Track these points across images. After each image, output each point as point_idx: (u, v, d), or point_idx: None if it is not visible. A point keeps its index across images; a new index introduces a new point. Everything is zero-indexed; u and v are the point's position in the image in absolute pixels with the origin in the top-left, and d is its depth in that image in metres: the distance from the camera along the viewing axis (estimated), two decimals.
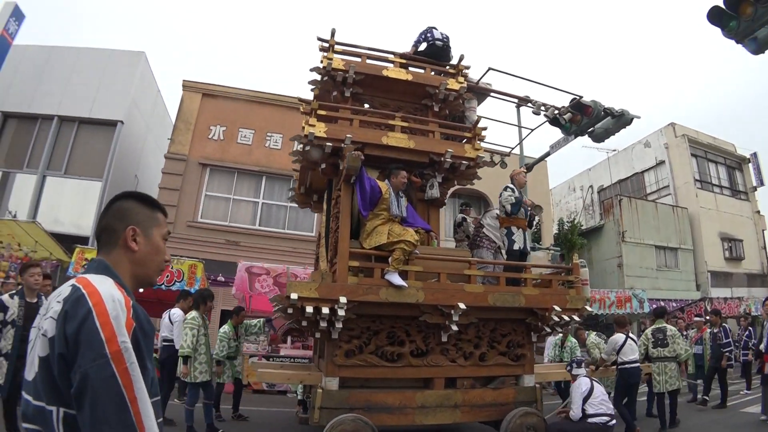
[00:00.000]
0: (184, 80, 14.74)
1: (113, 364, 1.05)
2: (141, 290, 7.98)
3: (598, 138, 9.64)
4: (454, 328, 4.82)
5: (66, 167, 14.60)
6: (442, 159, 5.42)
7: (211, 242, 13.67)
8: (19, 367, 4.66)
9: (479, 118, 6.02)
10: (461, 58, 6.28)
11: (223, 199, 14.38)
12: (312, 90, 6.18)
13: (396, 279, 4.66)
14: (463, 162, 5.51)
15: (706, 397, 8.45)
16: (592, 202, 23.49)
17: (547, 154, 11.65)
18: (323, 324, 4.59)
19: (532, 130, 8.15)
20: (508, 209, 5.76)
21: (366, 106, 6.10)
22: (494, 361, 5.28)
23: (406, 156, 5.47)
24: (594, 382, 5.16)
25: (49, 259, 10.91)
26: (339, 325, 4.60)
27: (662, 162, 20.44)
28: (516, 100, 7.15)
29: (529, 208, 6.00)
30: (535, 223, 6.26)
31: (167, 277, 9.33)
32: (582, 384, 5.10)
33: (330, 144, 5.11)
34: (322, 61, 5.81)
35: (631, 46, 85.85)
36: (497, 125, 8.01)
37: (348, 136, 5.16)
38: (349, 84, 5.89)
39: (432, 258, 5.06)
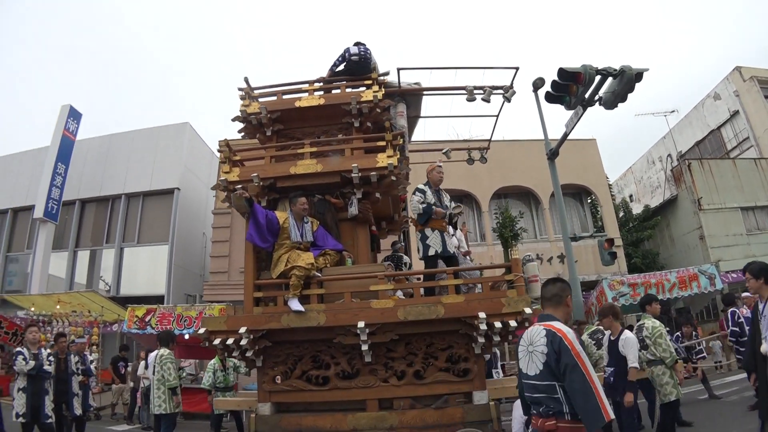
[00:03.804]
0: (219, 141, 16.14)
1: (576, 359, 2.36)
2: (186, 336, 8.83)
3: (609, 104, 8.85)
4: (365, 347, 4.71)
5: (138, 237, 16.69)
6: (351, 175, 5.41)
7: None
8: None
9: (391, 124, 5.84)
10: (374, 67, 6.26)
11: None
12: (243, 137, 6.59)
13: (295, 305, 4.73)
14: (372, 173, 5.41)
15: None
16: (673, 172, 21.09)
17: (565, 135, 10.84)
18: (236, 353, 4.85)
19: (497, 116, 7.66)
20: (417, 218, 5.43)
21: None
22: (433, 378, 4.92)
23: (318, 180, 5.54)
24: None
25: (118, 319, 12.46)
26: (249, 353, 4.81)
27: (736, 112, 17.67)
28: (452, 92, 6.78)
29: (449, 209, 5.61)
30: (455, 222, 5.76)
31: (195, 323, 10.16)
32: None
33: (239, 186, 5.39)
34: (240, 110, 6.18)
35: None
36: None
37: (254, 174, 5.44)
38: (267, 124, 6.17)
39: (335, 278, 5.03)
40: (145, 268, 16.44)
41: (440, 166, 5.79)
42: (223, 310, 10.59)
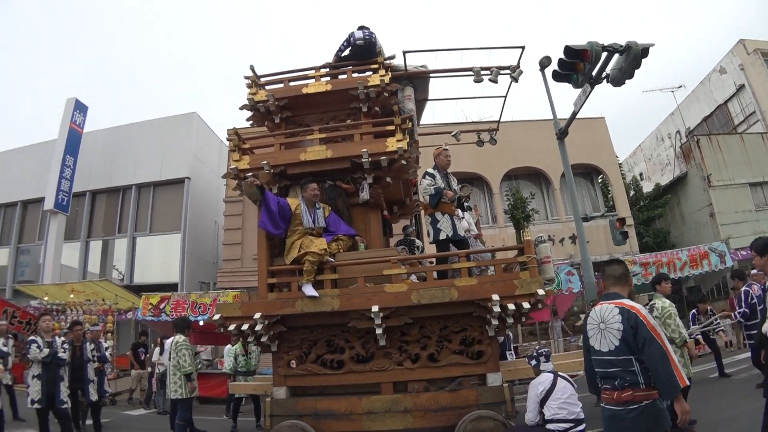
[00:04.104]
0: (228, 129, 16.16)
1: (653, 332, 2.59)
2: (201, 323, 8.96)
3: (616, 81, 8.73)
4: (379, 331, 4.75)
5: (150, 226, 16.82)
6: (362, 160, 5.40)
7: None
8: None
9: (399, 108, 5.80)
10: (379, 51, 6.19)
11: None
12: (252, 125, 6.58)
13: (309, 290, 4.77)
14: (382, 158, 5.38)
15: None
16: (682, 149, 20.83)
17: (574, 114, 10.70)
18: (251, 338, 4.92)
19: (505, 96, 7.60)
20: (428, 201, 5.44)
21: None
22: (447, 360, 4.96)
23: (329, 166, 5.53)
24: (559, 379, 4.28)
25: (133, 307, 12.65)
26: (264, 339, 4.88)
27: (742, 86, 17.34)
28: (458, 74, 6.70)
29: (457, 192, 5.58)
30: (464, 204, 5.73)
31: (210, 309, 10.30)
32: (539, 383, 4.31)
33: (250, 174, 5.41)
34: (247, 98, 6.16)
35: None
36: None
37: (264, 162, 5.45)
38: (275, 111, 6.15)
39: (348, 263, 5.06)
40: (158, 257, 16.63)
41: (447, 150, 5.75)
42: (237, 297, 10.70)
